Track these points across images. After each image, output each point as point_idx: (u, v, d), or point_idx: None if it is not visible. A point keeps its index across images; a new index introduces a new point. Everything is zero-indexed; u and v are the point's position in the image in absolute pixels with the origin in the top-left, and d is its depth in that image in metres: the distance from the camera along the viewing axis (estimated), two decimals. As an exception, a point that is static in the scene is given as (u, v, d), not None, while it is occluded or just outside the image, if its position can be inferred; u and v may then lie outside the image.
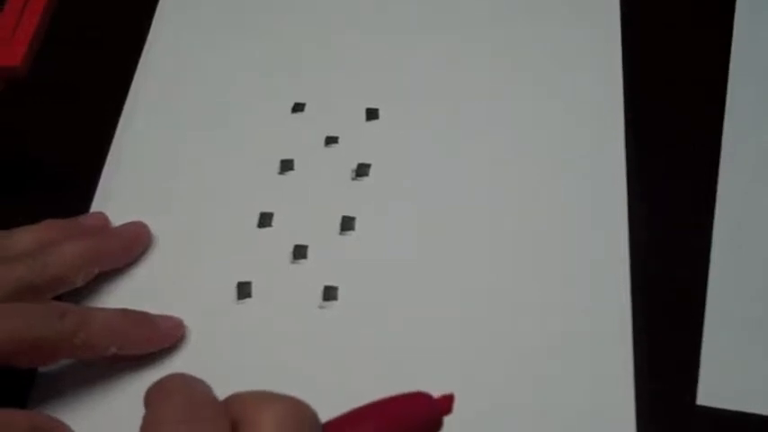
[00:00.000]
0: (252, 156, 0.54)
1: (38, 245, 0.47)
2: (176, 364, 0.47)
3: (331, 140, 0.54)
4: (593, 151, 0.53)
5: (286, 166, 0.53)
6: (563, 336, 0.47)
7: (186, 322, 0.48)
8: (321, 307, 0.48)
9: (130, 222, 0.51)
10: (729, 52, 0.56)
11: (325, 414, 0.40)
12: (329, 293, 0.49)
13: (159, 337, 0.47)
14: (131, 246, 0.50)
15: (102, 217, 0.51)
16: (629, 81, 0.56)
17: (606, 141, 0.53)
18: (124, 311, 0.46)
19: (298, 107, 0.56)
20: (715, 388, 0.45)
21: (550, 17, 0.59)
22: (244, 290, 0.49)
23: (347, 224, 0.51)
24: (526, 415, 0.45)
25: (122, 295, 0.49)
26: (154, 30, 0.60)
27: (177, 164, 0.54)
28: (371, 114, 0.55)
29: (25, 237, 0.48)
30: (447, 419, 0.35)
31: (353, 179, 0.53)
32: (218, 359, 0.47)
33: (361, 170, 0.53)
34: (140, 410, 0.42)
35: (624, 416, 0.44)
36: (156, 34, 0.60)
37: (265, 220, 0.51)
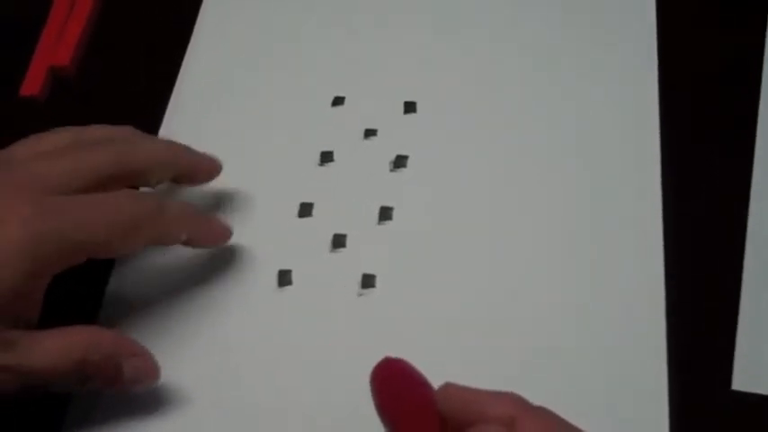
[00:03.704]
0: (293, 148, 0.55)
1: (115, 137, 0.48)
2: (219, 348, 0.48)
3: (370, 133, 0.55)
4: (629, 149, 0.53)
5: (326, 157, 0.54)
6: (597, 323, 0.48)
7: (229, 310, 0.50)
8: (360, 294, 0.49)
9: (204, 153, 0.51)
10: (764, 48, 0.56)
11: (365, 400, 0.42)
12: (367, 281, 0.49)
13: (215, 232, 0.49)
14: (203, 168, 0.50)
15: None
16: (663, 78, 0.56)
17: (641, 138, 0.54)
18: (188, 204, 0.49)
19: (338, 101, 0.57)
20: (750, 373, 0.46)
21: (587, 15, 0.60)
22: (284, 278, 0.50)
23: (385, 214, 0.52)
24: (559, 401, 0.45)
25: (166, 282, 0.50)
26: (197, 30, 0.62)
27: (221, 156, 0.55)
28: (409, 107, 0.56)
29: (100, 130, 0.48)
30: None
31: (392, 170, 0.54)
32: (259, 346, 0.48)
33: (400, 161, 0.54)
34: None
35: (658, 401, 0.45)
36: (199, 34, 0.61)
37: (306, 209, 0.52)
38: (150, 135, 0.52)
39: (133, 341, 0.45)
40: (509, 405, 0.36)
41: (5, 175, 0.44)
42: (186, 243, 0.48)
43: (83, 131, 0.48)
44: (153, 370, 0.45)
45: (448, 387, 0.37)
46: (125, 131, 0.49)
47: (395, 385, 0.39)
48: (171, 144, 0.50)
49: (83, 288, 0.49)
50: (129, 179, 0.47)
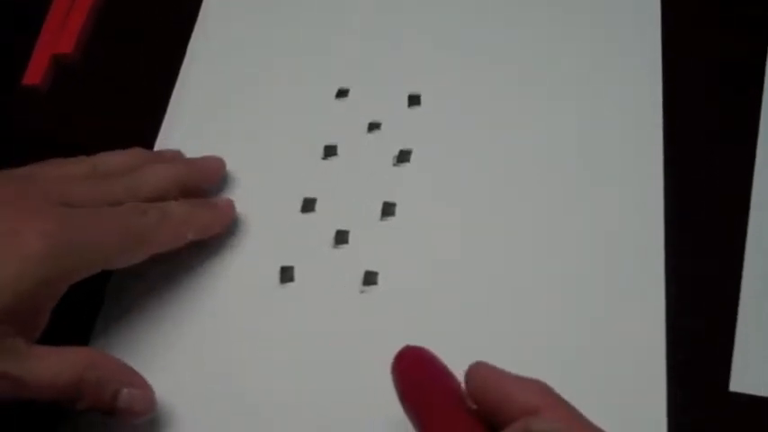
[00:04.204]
0: (296, 141, 0.55)
1: (126, 168, 0.50)
2: (221, 343, 0.49)
3: (374, 126, 0.55)
4: (630, 148, 0.53)
5: (330, 151, 0.55)
6: (597, 323, 0.48)
7: (230, 305, 0.50)
8: (362, 291, 0.50)
9: (208, 156, 0.54)
10: (765, 48, 0.56)
11: (365, 397, 0.42)
12: (369, 278, 0.50)
13: (220, 217, 0.51)
14: (212, 176, 0.53)
15: (179, 154, 0.54)
16: (664, 78, 0.55)
17: (643, 137, 0.53)
18: (191, 201, 0.50)
19: (341, 93, 0.57)
20: (747, 374, 0.46)
21: (592, 16, 0.59)
22: (287, 274, 0.50)
23: (388, 210, 0.52)
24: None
25: (168, 277, 0.51)
26: (200, 21, 0.61)
27: (223, 150, 0.55)
28: (414, 101, 0.56)
29: (113, 159, 0.51)
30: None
31: (395, 165, 0.54)
32: (261, 342, 0.49)
33: (403, 156, 0.54)
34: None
35: (656, 401, 0.45)
36: (202, 24, 0.61)
37: (308, 205, 0.53)
38: (160, 154, 0.54)
39: (136, 372, 0.45)
40: (535, 393, 0.36)
41: (27, 187, 0.46)
42: (194, 239, 0.49)
43: (98, 160, 0.50)
44: (150, 403, 0.45)
45: (478, 366, 0.38)
46: (136, 156, 0.51)
47: (417, 374, 0.39)
48: (178, 167, 0.51)
49: (86, 280, 0.50)
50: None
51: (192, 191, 0.51)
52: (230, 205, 0.52)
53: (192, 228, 0.49)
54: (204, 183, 0.53)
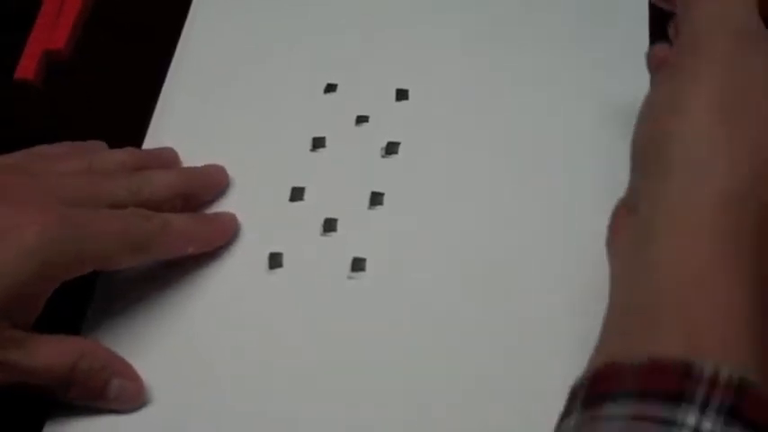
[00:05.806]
0: (285, 134, 0.56)
1: (122, 166, 0.50)
2: (210, 329, 0.49)
3: (362, 119, 0.56)
4: (619, 144, 0.53)
5: (318, 143, 0.55)
6: (595, 309, 0.48)
7: (219, 291, 0.50)
8: (350, 278, 0.50)
9: (210, 165, 0.53)
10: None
11: (354, 380, 0.41)
12: (357, 265, 0.50)
13: (222, 232, 0.51)
14: (215, 186, 0.53)
15: (174, 153, 0.54)
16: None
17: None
18: (194, 215, 0.51)
19: (330, 88, 0.57)
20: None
21: (579, 11, 0.60)
22: (275, 260, 0.51)
23: (376, 199, 0.52)
24: (556, 382, 0.45)
25: (157, 265, 0.50)
26: (191, 16, 0.62)
27: (213, 142, 0.56)
28: (401, 95, 0.57)
29: (110, 156, 0.51)
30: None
31: (383, 157, 0.54)
32: (250, 327, 0.49)
33: (391, 148, 0.54)
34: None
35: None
36: (192, 20, 0.62)
37: (297, 194, 0.53)
38: (157, 155, 0.54)
39: (127, 363, 0.47)
40: None
41: (28, 181, 0.47)
42: (194, 253, 0.50)
43: (94, 156, 0.51)
44: (139, 395, 0.46)
45: None
46: (132, 155, 0.52)
47: None
48: (182, 176, 0.52)
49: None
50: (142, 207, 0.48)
51: (193, 199, 0.52)
52: (232, 220, 0.52)
53: (194, 242, 0.50)
54: (206, 193, 0.53)
